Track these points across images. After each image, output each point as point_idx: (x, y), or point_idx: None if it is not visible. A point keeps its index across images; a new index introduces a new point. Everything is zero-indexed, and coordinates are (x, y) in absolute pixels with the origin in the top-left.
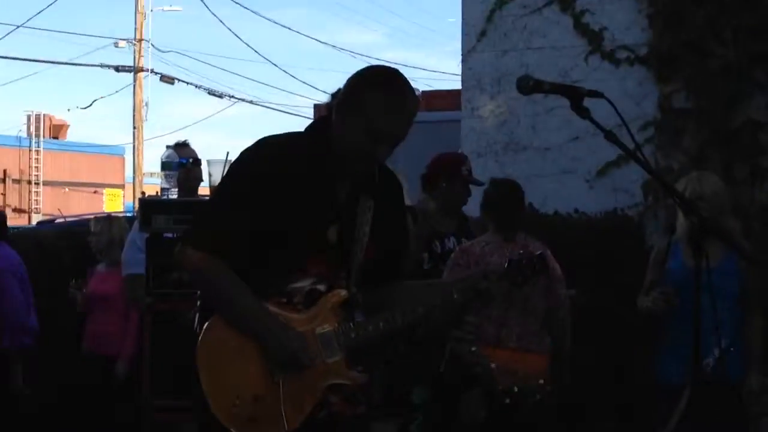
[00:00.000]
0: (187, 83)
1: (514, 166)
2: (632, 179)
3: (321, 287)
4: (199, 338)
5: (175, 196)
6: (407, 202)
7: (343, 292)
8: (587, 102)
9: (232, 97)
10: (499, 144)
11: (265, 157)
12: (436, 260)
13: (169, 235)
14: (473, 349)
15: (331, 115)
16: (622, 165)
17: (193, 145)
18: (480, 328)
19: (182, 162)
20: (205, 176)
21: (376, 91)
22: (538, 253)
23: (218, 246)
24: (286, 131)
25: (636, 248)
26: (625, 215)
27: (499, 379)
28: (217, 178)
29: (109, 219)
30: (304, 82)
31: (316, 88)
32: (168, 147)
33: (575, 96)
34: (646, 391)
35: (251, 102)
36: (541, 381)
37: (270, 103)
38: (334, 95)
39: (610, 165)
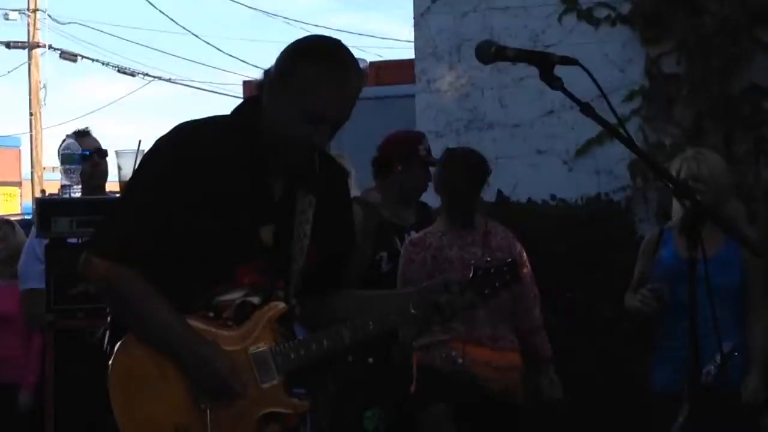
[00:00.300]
0: (93, 60)
1: (479, 146)
2: (617, 159)
3: (254, 299)
4: (111, 361)
5: (78, 194)
6: (355, 193)
7: (281, 305)
8: (561, 70)
9: (147, 75)
10: (461, 121)
11: (183, 146)
12: (396, 259)
13: (73, 240)
14: (444, 355)
15: (262, 94)
16: (605, 143)
17: (102, 134)
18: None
19: (85, 154)
20: (114, 170)
21: (312, 64)
22: (509, 261)
23: (129, 253)
24: (210, 115)
25: (624, 239)
26: (610, 200)
27: (480, 377)
28: (128, 173)
29: (10, 224)
30: (232, 56)
31: (246, 63)
32: (68, 136)
33: (545, 63)
34: (637, 400)
35: (170, 80)
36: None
37: (192, 81)
38: (267, 72)
39: (591, 143)
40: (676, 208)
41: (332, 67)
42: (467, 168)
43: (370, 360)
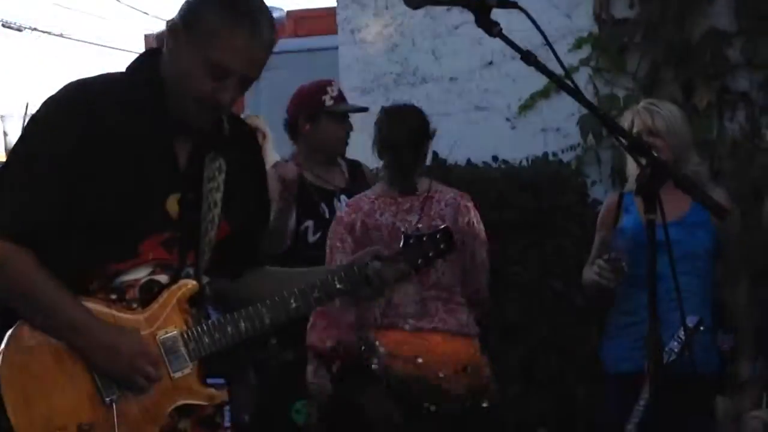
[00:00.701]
0: None
1: (411, 103)
2: (565, 115)
3: (161, 278)
4: (2, 350)
5: None
6: (275, 158)
7: (191, 283)
8: (501, 16)
9: (35, 29)
10: (390, 76)
11: (74, 108)
12: (325, 228)
13: None
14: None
15: (162, 48)
16: (552, 97)
17: None
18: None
19: None
20: None
21: (218, 10)
22: (442, 226)
23: (18, 230)
24: (104, 72)
25: (575, 203)
26: (559, 161)
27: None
28: (14, 139)
29: None
30: (132, 7)
31: (147, 14)
32: None
33: (482, 8)
34: (592, 382)
35: (61, 35)
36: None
37: (87, 35)
38: (169, 23)
39: (536, 97)
40: (632, 168)
41: (240, 15)
42: (405, 125)
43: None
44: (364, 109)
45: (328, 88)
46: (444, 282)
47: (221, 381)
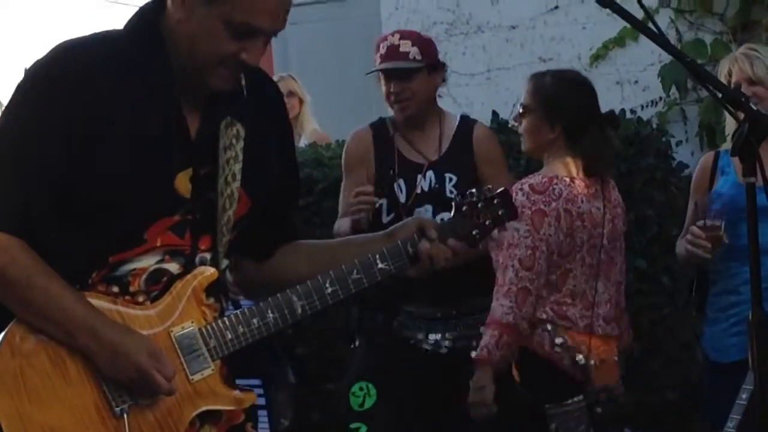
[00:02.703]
0: None
1: (465, 56)
2: (644, 65)
3: (171, 267)
4: None
5: None
6: (313, 125)
7: (209, 270)
8: None
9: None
10: (440, 25)
11: (68, 74)
12: (399, 211)
13: None
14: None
15: (164, 1)
16: (628, 44)
17: None
18: None
19: None
20: None
21: None
22: (500, 189)
23: (8, 218)
24: (98, 31)
25: (658, 168)
26: (638, 119)
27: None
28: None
29: None
30: None
31: None
32: None
33: None
34: (690, 370)
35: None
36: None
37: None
38: None
39: (610, 45)
40: (730, 123)
41: None
42: (591, 96)
43: (355, 344)
44: (407, 71)
45: (381, 44)
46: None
47: (257, 383)
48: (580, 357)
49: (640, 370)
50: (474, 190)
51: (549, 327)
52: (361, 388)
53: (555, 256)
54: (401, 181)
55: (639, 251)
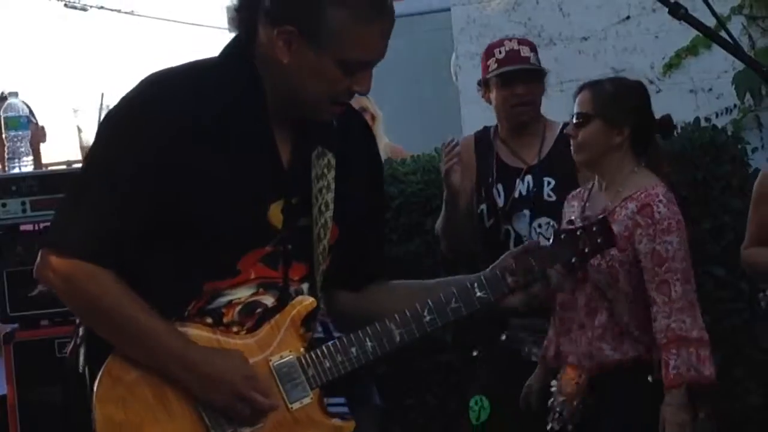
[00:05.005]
0: None
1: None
2: (717, 72)
3: (266, 299)
4: (96, 388)
5: (29, 168)
6: (384, 140)
7: (308, 300)
8: None
9: (102, 8)
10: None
11: (160, 106)
12: (498, 216)
13: (28, 227)
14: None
15: (250, 28)
16: (701, 53)
17: (52, 86)
18: None
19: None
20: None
21: (343, 11)
22: (600, 216)
23: (99, 249)
24: (189, 61)
25: (735, 175)
26: (713, 127)
27: None
28: (90, 136)
29: None
30: None
31: None
32: (9, 95)
33: None
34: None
35: (131, 13)
36: None
37: (160, 11)
38: (276, 28)
39: (683, 54)
40: None
41: (368, 5)
42: (635, 91)
43: (475, 353)
44: (533, 75)
45: (497, 50)
46: None
47: (341, 401)
48: None
49: (721, 378)
50: (572, 218)
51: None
52: (476, 402)
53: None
54: (500, 186)
55: (716, 259)
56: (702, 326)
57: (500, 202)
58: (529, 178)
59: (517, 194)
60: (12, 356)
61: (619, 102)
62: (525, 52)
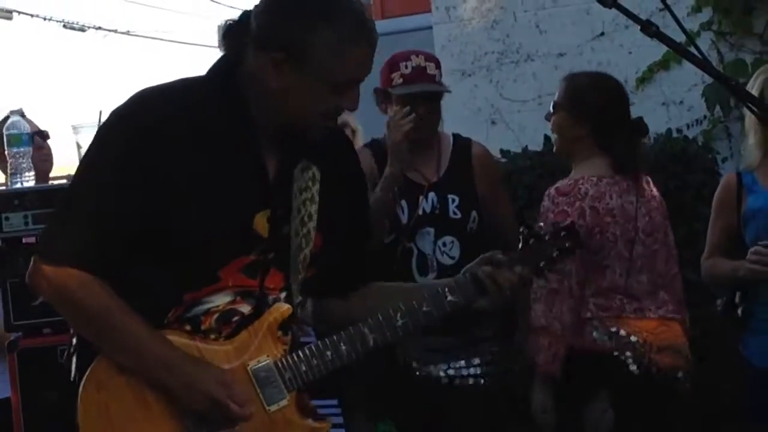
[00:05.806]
0: (32, 15)
1: (516, 83)
2: (688, 86)
3: (243, 307)
4: (80, 391)
5: (31, 183)
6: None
7: (284, 307)
8: None
9: (100, 28)
10: (492, 55)
11: (149, 120)
12: (398, 233)
13: (31, 240)
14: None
15: (238, 48)
16: (672, 67)
17: (52, 105)
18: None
19: (38, 134)
20: (66, 150)
21: (329, 35)
22: (566, 222)
23: (88, 258)
24: (180, 77)
25: (705, 184)
26: (684, 138)
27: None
28: None
29: None
30: None
31: (219, 3)
32: (11, 113)
33: None
34: (730, 374)
35: (128, 33)
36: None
37: (156, 31)
38: (246, 17)
39: (655, 68)
40: (752, 142)
41: (354, 29)
42: (620, 93)
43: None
44: (435, 94)
45: (402, 63)
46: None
47: (334, 402)
48: (634, 338)
49: (695, 380)
50: (541, 224)
51: (596, 323)
52: (382, 428)
53: (584, 254)
54: (402, 202)
55: (689, 264)
56: (554, 315)
57: (404, 218)
58: (432, 195)
59: (420, 211)
60: (16, 363)
61: (585, 97)
62: (431, 69)
